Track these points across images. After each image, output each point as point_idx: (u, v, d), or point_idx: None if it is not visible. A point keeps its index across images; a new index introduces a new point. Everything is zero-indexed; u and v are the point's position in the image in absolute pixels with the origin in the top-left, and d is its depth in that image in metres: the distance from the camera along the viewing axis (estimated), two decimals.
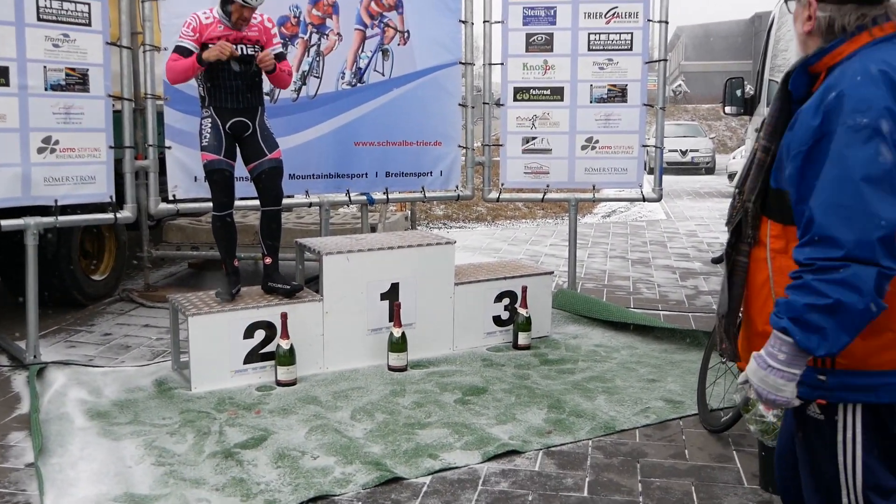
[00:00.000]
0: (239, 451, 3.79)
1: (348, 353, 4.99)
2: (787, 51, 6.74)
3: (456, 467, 3.68)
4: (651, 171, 7.17)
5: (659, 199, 6.98)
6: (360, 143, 6.31)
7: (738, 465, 3.74)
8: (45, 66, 4.91)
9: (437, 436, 3.98)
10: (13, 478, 3.58)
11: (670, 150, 22.57)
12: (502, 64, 6.53)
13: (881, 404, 1.98)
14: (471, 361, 5.15)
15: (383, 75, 6.32)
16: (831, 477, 2.05)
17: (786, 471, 2.26)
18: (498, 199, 6.94)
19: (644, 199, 6.73)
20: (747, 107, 7.60)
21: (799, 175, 1.95)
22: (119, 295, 6.90)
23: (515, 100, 6.56)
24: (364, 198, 6.42)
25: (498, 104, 6.68)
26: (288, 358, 4.68)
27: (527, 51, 6.48)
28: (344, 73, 6.23)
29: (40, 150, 4.94)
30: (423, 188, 6.57)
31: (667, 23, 6.41)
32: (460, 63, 6.53)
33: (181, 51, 4.71)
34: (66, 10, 5.00)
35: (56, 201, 5.03)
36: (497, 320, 5.53)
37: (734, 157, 16.86)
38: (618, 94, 6.46)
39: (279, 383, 4.68)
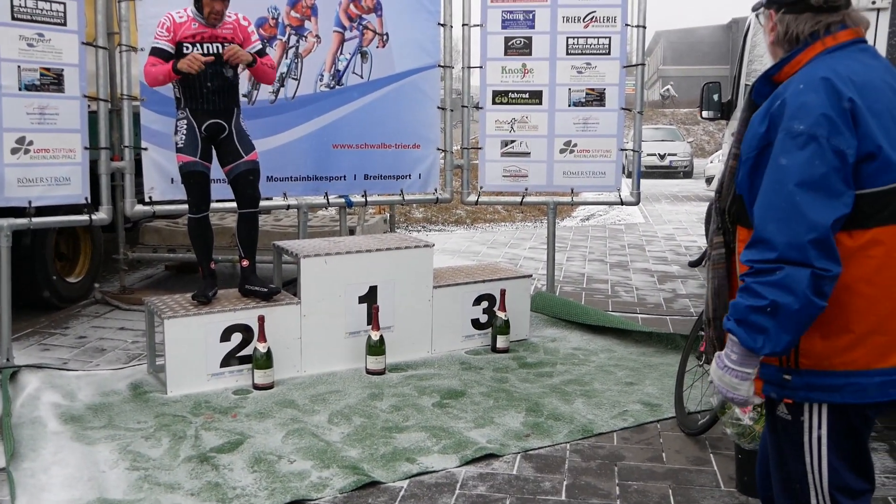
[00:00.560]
0: (215, 455, 3.76)
1: (326, 357, 4.97)
2: (763, 56, 6.80)
3: (434, 471, 3.67)
4: (629, 175, 7.21)
5: (637, 203, 7.02)
6: (339, 146, 6.29)
7: (715, 467, 3.76)
8: (19, 66, 4.85)
9: (414, 439, 3.97)
10: None
11: (648, 154, 22.68)
12: (481, 67, 6.55)
13: (848, 405, 2.00)
14: (449, 365, 5.14)
15: (362, 77, 6.30)
16: (800, 477, 2.08)
17: (766, 479, 2.28)
18: (477, 202, 6.97)
19: (622, 203, 6.76)
20: (724, 111, 7.68)
21: (748, 180, 2.01)
22: (94, 297, 6.83)
23: (494, 103, 6.58)
24: (342, 200, 6.40)
25: (477, 107, 6.70)
26: (265, 361, 4.65)
27: (506, 54, 6.51)
28: (322, 76, 6.21)
29: (14, 151, 4.88)
30: (401, 191, 6.55)
31: (644, 27, 6.46)
32: (439, 66, 6.53)
33: (158, 53, 4.69)
34: (41, 10, 4.94)
35: (30, 203, 4.97)
36: (475, 323, 5.53)
37: (711, 161, 16.99)
38: (596, 98, 6.49)
39: (256, 387, 4.65)
